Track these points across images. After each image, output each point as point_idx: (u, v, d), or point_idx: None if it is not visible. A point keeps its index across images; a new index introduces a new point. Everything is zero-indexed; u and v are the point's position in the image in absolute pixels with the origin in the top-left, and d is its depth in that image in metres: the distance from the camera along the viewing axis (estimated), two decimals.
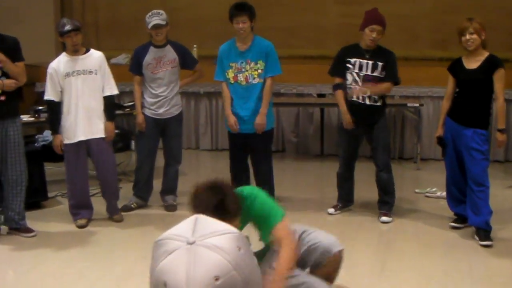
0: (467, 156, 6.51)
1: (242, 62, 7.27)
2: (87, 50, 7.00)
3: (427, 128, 10.33)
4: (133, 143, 9.39)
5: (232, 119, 7.36)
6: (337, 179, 7.60)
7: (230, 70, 7.31)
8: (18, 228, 6.67)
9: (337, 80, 7.30)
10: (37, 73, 10.62)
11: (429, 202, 8.04)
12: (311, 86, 10.99)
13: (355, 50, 7.08)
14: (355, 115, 7.18)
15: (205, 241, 1.34)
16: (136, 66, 7.57)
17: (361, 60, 7.04)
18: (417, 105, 9.82)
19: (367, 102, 7.11)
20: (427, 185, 8.57)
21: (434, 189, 8.34)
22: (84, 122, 6.86)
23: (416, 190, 8.46)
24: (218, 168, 10.13)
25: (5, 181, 6.54)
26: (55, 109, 6.92)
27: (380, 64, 7.00)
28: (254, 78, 7.26)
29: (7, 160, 6.45)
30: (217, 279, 1.30)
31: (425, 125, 10.37)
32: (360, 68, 7.05)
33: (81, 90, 6.84)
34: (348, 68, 7.11)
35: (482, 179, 6.49)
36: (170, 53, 7.53)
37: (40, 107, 8.47)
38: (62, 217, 7.22)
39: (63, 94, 6.88)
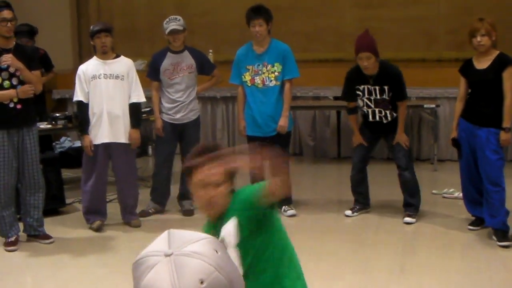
0: (481, 156, 6.49)
1: (259, 65, 7.30)
2: (117, 56, 7.06)
3: (444, 129, 10.27)
4: (150, 149, 9.43)
5: (242, 124, 7.52)
6: (351, 183, 7.61)
7: (247, 73, 7.35)
8: (36, 235, 6.70)
9: (351, 105, 7.44)
10: (54, 81, 10.69)
11: (447, 203, 8.01)
12: (328, 89, 10.97)
13: (360, 77, 7.10)
14: (375, 129, 7.36)
15: (182, 250, 1.35)
16: (153, 72, 7.60)
17: (368, 86, 7.08)
18: (433, 106, 9.78)
19: (384, 121, 7.25)
20: (444, 186, 8.54)
21: (451, 190, 8.30)
22: (108, 126, 6.90)
23: (433, 191, 8.43)
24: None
25: (22, 188, 6.58)
26: (84, 110, 6.97)
27: (386, 87, 7.04)
28: (271, 81, 7.30)
29: (24, 168, 6.49)
30: (202, 282, 1.31)
31: (442, 126, 10.32)
32: (369, 93, 7.13)
33: (107, 93, 6.89)
34: (358, 95, 7.21)
35: (497, 179, 6.47)
36: (187, 59, 7.55)
37: (57, 114, 8.52)
38: (80, 223, 7.24)
39: (89, 96, 6.92)
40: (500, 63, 6.39)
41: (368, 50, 6.86)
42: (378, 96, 7.06)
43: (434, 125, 10.09)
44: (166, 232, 1.45)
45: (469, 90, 6.67)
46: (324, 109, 10.95)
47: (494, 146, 6.41)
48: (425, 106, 9.75)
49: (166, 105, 7.59)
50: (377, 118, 7.23)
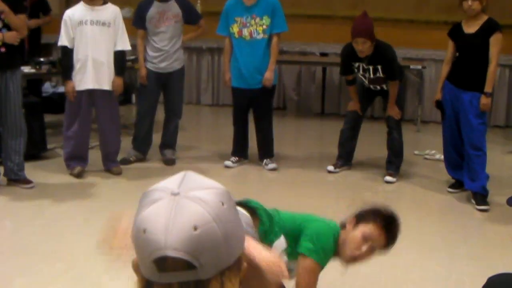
0: (464, 120, 6.52)
1: (247, 17, 7.27)
2: (105, 3, 6.98)
3: (429, 91, 10.29)
4: (133, 97, 9.40)
5: (227, 76, 7.58)
6: (340, 136, 7.63)
7: (235, 25, 7.33)
8: (17, 180, 6.68)
9: (349, 78, 7.42)
10: (51, 24, 10.57)
11: (428, 164, 8.06)
12: (314, 45, 10.96)
13: (355, 56, 7.07)
14: (371, 93, 7.47)
15: (189, 193, 1.35)
16: (139, 20, 7.54)
17: (362, 64, 7.07)
18: (419, 67, 9.79)
19: (379, 91, 7.38)
20: (426, 147, 8.59)
21: (433, 152, 8.35)
22: (92, 72, 6.85)
23: (415, 152, 8.47)
24: (219, 123, 10.18)
25: (4, 132, 6.54)
26: (68, 56, 6.91)
27: (379, 67, 7.03)
28: (259, 34, 7.29)
29: (6, 112, 6.43)
30: (195, 228, 1.30)
31: (427, 87, 10.35)
32: (364, 71, 7.14)
33: (93, 40, 6.82)
34: (354, 71, 7.23)
35: (479, 143, 6.50)
36: (174, 8, 7.49)
37: (42, 59, 8.45)
38: (61, 169, 7.22)
39: (74, 41, 6.86)
40: (488, 28, 6.40)
41: (364, 35, 6.82)
42: (372, 76, 7.08)
43: (419, 86, 10.11)
44: (183, 172, 1.44)
45: (457, 54, 6.66)
46: (310, 65, 10.95)
47: (477, 110, 6.43)
48: (411, 67, 9.75)
49: (151, 53, 7.55)
50: (373, 89, 7.34)
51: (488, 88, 6.42)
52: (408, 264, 5.11)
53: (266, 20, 7.28)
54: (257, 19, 7.27)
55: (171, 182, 1.42)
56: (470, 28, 6.48)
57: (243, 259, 1.46)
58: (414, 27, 10.70)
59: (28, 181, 6.71)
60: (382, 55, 6.97)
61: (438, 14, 10.80)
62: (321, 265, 3.51)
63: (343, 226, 3.63)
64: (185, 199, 1.35)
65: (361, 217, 3.59)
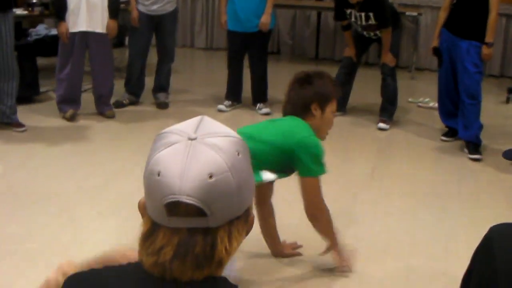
0: (461, 68, 6.48)
1: None
2: None
3: (425, 38, 10.24)
4: (127, 39, 9.32)
5: (223, 18, 7.53)
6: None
7: None
8: (9, 123, 6.64)
9: (344, 23, 7.40)
10: None
11: (421, 112, 8.06)
12: None
13: (346, 2, 7.00)
14: (366, 40, 7.43)
15: (206, 139, 1.34)
16: None
17: (354, 11, 7.00)
18: (415, 14, 9.72)
19: (374, 37, 7.32)
20: (420, 95, 8.58)
21: (427, 100, 8.34)
22: (86, 14, 6.77)
23: (409, 100, 8.47)
24: (213, 67, 10.13)
25: None
26: None
27: (371, 14, 6.95)
28: None
29: None
30: (211, 176, 1.30)
31: (423, 35, 10.29)
32: (356, 18, 7.08)
33: None
34: (347, 17, 7.18)
35: (475, 92, 6.48)
36: None
37: (34, 1, 8.35)
38: (53, 112, 7.19)
39: None
40: None
41: None
42: (364, 22, 7.01)
43: (414, 33, 10.05)
44: (199, 117, 1.43)
45: (454, 1, 6.60)
46: (305, 9, 10.86)
47: (474, 58, 6.39)
48: (407, 13, 9.67)
49: None
50: (367, 36, 7.28)
51: (489, 38, 6.35)
52: (401, 212, 5.14)
53: None
54: None
55: (188, 125, 1.40)
56: None
57: (251, 211, 1.46)
58: None
59: (20, 125, 6.67)
60: (374, 2, 6.91)
61: None
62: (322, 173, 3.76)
63: (307, 114, 3.87)
64: (202, 145, 1.33)
65: (322, 99, 3.89)
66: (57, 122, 7.03)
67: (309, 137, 3.71)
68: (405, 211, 5.17)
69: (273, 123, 4.01)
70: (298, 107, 3.87)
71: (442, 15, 6.70)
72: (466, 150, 6.54)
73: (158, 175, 1.33)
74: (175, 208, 1.33)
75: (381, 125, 7.27)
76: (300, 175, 3.75)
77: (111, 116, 7.25)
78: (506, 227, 2.14)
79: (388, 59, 7.17)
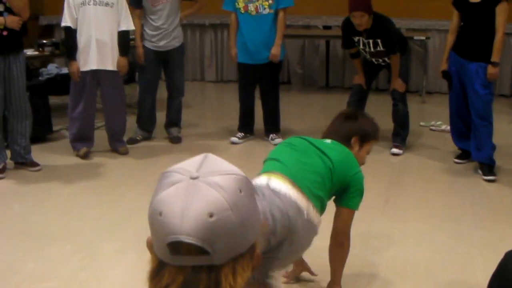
0: (470, 90, 6.49)
1: None
2: None
3: (433, 61, 10.27)
4: (137, 76, 9.38)
5: (233, 51, 7.57)
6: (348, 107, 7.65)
7: (241, 0, 7.32)
8: (24, 163, 6.69)
9: (352, 51, 7.41)
10: (41, 6, 10.55)
11: (434, 135, 8.06)
12: (317, 18, 10.92)
13: (353, 30, 7.03)
14: (375, 67, 7.47)
15: (207, 178, 1.35)
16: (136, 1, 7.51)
17: (362, 38, 7.04)
18: (423, 38, 9.76)
19: (383, 64, 7.35)
20: (432, 118, 8.58)
21: (439, 123, 8.34)
22: (96, 52, 6.83)
23: (421, 123, 8.47)
24: (223, 100, 10.17)
25: (10, 116, 6.53)
26: (72, 36, 6.87)
27: (379, 40, 6.98)
28: (264, 9, 7.30)
29: (11, 95, 6.41)
30: (211, 215, 1.31)
31: (431, 58, 10.32)
32: (364, 45, 7.11)
33: (96, 20, 6.79)
34: (355, 44, 7.22)
35: (485, 113, 6.49)
36: None
37: (44, 41, 8.44)
38: (67, 151, 7.23)
39: (78, 22, 6.83)
40: None
41: (362, 9, 6.78)
42: (372, 49, 7.04)
43: (423, 57, 10.08)
44: (203, 155, 1.45)
45: (461, 23, 6.62)
46: (314, 38, 10.93)
47: (483, 80, 6.40)
48: (415, 38, 9.72)
49: (149, 32, 7.52)
50: (376, 63, 7.32)
51: (495, 58, 6.36)
52: (417, 236, 5.12)
53: None
54: None
55: (191, 164, 1.42)
56: None
57: (258, 246, 1.47)
58: None
59: (35, 164, 6.72)
60: (381, 28, 6.93)
61: None
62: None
63: (345, 145, 3.94)
64: (203, 184, 1.35)
65: (364, 136, 4.04)
66: (71, 160, 7.07)
67: (360, 172, 3.86)
68: (421, 235, 5.16)
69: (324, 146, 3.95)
70: (339, 136, 3.98)
71: (450, 38, 6.73)
72: (480, 172, 6.53)
73: (160, 215, 1.35)
74: (177, 247, 1.34)
75: (394, 150, 7.27)
76: (340, 205, 3.84)
77: (125, 153, 7.29)
78: None
79: (398, 85, 7.19)
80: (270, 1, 7.28)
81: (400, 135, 7.37)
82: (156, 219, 1.37)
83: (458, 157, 6.99)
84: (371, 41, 6.97)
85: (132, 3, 7.56)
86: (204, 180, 1.35)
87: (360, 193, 3.82)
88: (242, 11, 7.36)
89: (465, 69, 6.51)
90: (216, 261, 1.35)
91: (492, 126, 6.54)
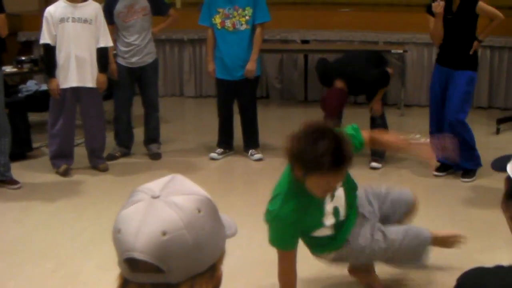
0: (452, 88, 6.63)
1: (230, 8, 7.29)
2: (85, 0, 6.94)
3: (411, 75, 10.33)
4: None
5: (211, 67, 7.56)
6: None
7: (217, 16, 7.34)
8: (3, 180, 6.67)
9: None
10: (19, 23, 10.53)
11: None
12: (295, 32, 10.95)
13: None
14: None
15: (168, 198, 1.37)
16: (108, 15, 7.48)
17: None
18: (401, 51, 9.80)
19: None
20: (411, 131, 8.59)
21: (418, 136, 8.31)
22: (76, 70, 6.82)
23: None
24: (203, 115, 10.15)
25: None
26: (51, 53, 6.87)
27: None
28: (242, 25, 7.32)
29: None
30: (164, 234, 1.33)
31: (409, 71, 10.37)
32: None
33: (75, 37, 6.79)
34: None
35: (462, 109, 6.68)
36: (141, 1, 7.45)
37: (23, 58, 8.43)
38: (47, 168, 7.21)
39: (56, 39, 6.83)
40: (468, 2, 6.45)
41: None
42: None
43: (401, 70, 10.12)
44: (171, 176, 1.46)
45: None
46: (292, 52, 10.94)
47: (466, 85, 6.60)
48: (392, 51, 9.75)
49: (121, 48, 7.53)
50: None
51: (483, 37, 6.62)
52: None
53: (248, 11, 7.28)
54: (240, 10, 7.27)
55: (157, 184, 1.44)
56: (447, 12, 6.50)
57: (219, 267, 1.47)
58: (394, 10, 10.73)
59: (15, 182, 6.69)
60: (359, 87, 7.07)
61: None
62: None
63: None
64: (162, 203, 1.37)
65: (306, 169, 3.47)
66: (51, 177, 7.05)
67: (271, 202, 3.70)
68: None
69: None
70: None
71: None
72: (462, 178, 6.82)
73: (119, 232, 1.38)
74: (134, 264, 1.37)
75: (374, 164, 7.30)
76: None
77: (105, 170, 7.28)
78: (475, 273, 2.15)
79: (376, 107, 7.26)
80: (247, 17, 7.30)
81: (379, 149, 7.41)
82: (116, 237, 1.40)
83: (437, 169, 7.04)
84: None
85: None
86: (164, 200, 1.37)
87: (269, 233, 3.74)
88: (219, 27, 7.37)
89: (450, 76, 6.61)
90: (173, 279, 1.36)
91: (468, 127, 6.73)
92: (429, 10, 6.70)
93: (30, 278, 4.73)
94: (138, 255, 1.34)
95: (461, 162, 6.68)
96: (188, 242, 1.35)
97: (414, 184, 6.75)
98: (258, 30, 7.39)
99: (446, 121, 6.70)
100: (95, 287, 4.55)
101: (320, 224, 3.78)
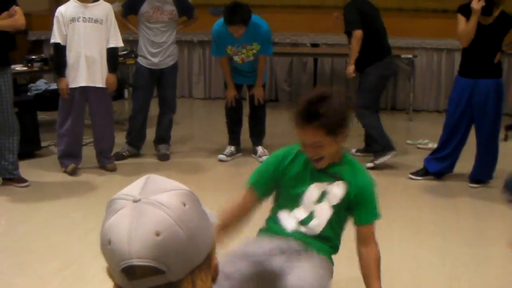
0: (480, 109, 6.61)
1: (238, 46, 7.36)
2: (96, 0, 6.97)
3: (420, 79, 10.33)
4: (126, 92, 9.41)
5: (232, 92, 7.67)
6: None
7: (227, 49, 7.43)
8: (11, 179, 6.69)
9: None
10: (30, 22, 10.55)
11: (421, 153, 8.06)
12: (305, 36, 10.97)
13: None
14: None
15: (150, 198, 1.37)
16: (127, 8, 7.61)
17: None
18: (410, 56, 9.80)
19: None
20: (419, 136, 8.62)
21: (425, 141, 8.38)
22: (86, 69, 6.84)
23: (408, 141, 8.50)
24: (212, 117, 10.16)
25: None
26: (61, 52, 6.88)
27: None
28: (249, 57, 7.46)
29: None
30: (158, 234, 1.32)
31: (418, 76, 10.36)
32: None
33: (85, 37, 6.81)
34: None
35: (495, 131, 6.76)
36: (167, 5, 7.48)
37: (33, 56, 8.46)
38: (55, 167, 7.23)
39: (67, 38, 6.85)
40: (505, 23, 6.49)
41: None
42: None
43: (410, 75, 10.12)
44: (145, 176, 1.46)
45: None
46: (301, 56, 10.95)
47: (497, 95, 6.60)
48: (402, 56, 9.75)
49: (144, 49, 7.56)
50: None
51: (507, 49, 6.93)
52: (402, 254, 5.15)
53: (255, 46, 7.37)
54: (248, 47, 7.36)
55: (133, 188, 1.43)
56: (485, 19, 6.45)
57: (214, 256, 1.48)
58: (403, 16, 10.71)
59: (23, 180, 6.72)
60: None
61: (426, 2, 10.83)
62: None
63: None
64: (146, 205, 1.36)
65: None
66: (59, 176, 7.07)
67: None
68: (406, 252, 5.18)
69: None
70: None
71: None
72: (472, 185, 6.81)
73: (109, 243, 1.36)
74: (131, 272, 1.35)
75: (368, 164, 7.38)
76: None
77: (113, 170, 7.29)
78: None
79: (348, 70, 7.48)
80: (255, 51, 7.39)
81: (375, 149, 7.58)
82: (106, 248, 1.37)
83: (416, 173, 7.10)
84: None
85: (124, 14, 7.72)
86: (147, 201, 1.36)
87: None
88: (230, 56, 7.51)
89: (477, 87, 6.58)
90: (173, 278, 1.36)
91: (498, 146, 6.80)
92: (461, 10, 6.62)
93: (36, 276, 4.74)
94: (136, 262, 1.32)
95: (476, 174, 6.77)
96: (182, 237, 1.35)
97: (420, 189, 6.77)
98: (262, 60, 7.50)
99: (480, 142, 6.74)
100: (101, 286, 4.55)
101: (292, 203, 3.51)
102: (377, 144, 7.46)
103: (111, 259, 1.38)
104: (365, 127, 7.52)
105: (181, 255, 1.35)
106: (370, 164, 7.34)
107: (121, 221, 1.36)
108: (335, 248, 3.58)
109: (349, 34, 7.37)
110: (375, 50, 7.41)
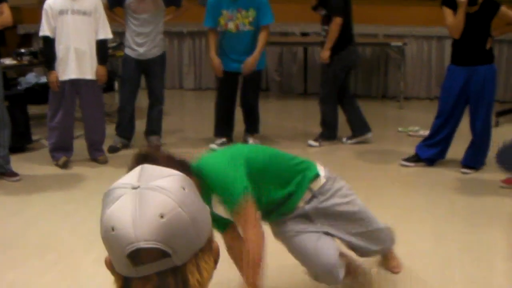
0: (477, 98, 6.64)
1: (233, 10, 7.29)
2: None
3: (411, 67, 10.34)
4: (116, 84, 9.40)
5: (216, 61, 7.50)
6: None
7: (221, 18, 7.35)
8: (3, 173, 6.68)
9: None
10: (19, 15, 10.53)
11: (412, 141, 8.09)
12: (295, 25, 10.96)
13: None
14: None
15: (149, 184, 1.38)
16: (114, 2, 7.58)
17: None
18: (400, 44, 9.81)
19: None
20: (409, 124, 8.64)
21: (416, 128, 8.40)
22: (75, 62, 6.82)
23: (399, 129, 8.52)
24: (202, 108, 10.17)
25: None
26: (50, 45, 6.86)
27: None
28: (245, 26, 7.37)
29: None
30: (162, 216, 1.33)
31: (409, 64, 10.38)
32: None
33: (74, 29, 6.79)
34: None
35: (489, 120, 6.82)
36: None
37: (23, 50, 8.43)
38: (47, 160, 7.22)
39: (56, 31, 6.83)
40: (490, 8, 6.47)
41: None
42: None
43: (400, 63, 10.13)
44: (139, 166, 1.47)
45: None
46: (291, 45, 10.96)
47: (492, 81, 6.64)
48: (392, 44, 9.77)
49: (130, 39, 7.54)
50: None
51: (496, 34, 6.68)
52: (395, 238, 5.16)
53: (252, 12, 7.30)
54: (243, 12, 7.30)
55: (130, 177, 1.44)
56: (469, 8, 6.41)
57: (213, 238, 1.49)
58: (393, 3, 10.71)
59: (14, 174, 6.71)
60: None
61: None
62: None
63: None
64: (147, 190, 1.37)
65: None
66: (51, 170, 7.06)
67: None
68: (399, 237, 5.18)
69: None
70: None
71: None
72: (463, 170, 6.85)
73: (113, 230, 1.36)
74: (137, 256, 1.34)
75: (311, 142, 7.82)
76: None
77: (104, 162, 7.29)
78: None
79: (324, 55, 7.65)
80: (250, 19, 7.32)
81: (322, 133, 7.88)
82: (110, 235, 1.37)
83: (407, 160, 7.13)
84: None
85: (111, 7, 7.66)
86: (146, 187, 1.37)
87: None
88: (223, 29, 7.42)
89: (473, 73, 6.59)
90: (179, 261, 1.36)
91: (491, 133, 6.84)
92: (445, 2, 6.60)
93: (30, 270, 4.73)
94: (144, 244, 1.33)
95: (469, 160, 6.82)
96: (186, 219, 1.36)
97: (412, 176, 6.78)
98: (263, 31, 7.44)
99: (475, 128, 6.76)
100: (95, 279, 4.56)
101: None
102: (324, 129, 7.83)
103: (115, 246, 1.37)
104: (322, 114, 7.81)
105: (186, 237, 1.36)
106: (311, 142, 7.77)
107: (123, 207, 1.36)
108: None
109: (327, 17, 7.43)
110: (343, 37, 7.54)
